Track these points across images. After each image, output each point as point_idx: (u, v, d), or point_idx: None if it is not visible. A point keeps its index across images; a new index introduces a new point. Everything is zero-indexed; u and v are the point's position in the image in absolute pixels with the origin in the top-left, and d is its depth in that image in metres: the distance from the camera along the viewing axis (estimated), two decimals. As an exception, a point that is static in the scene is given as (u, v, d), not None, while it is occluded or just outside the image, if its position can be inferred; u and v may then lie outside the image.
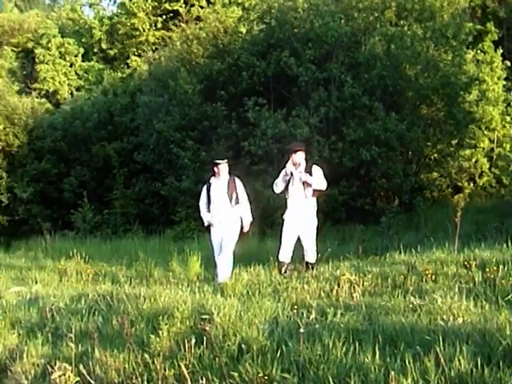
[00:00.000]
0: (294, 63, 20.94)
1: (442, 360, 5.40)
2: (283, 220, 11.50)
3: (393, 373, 5.19)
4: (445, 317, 6.82)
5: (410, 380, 5.22)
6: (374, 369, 5.52)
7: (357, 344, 6.05)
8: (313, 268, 11.23)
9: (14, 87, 36.53)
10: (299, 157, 11.19)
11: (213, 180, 11.70)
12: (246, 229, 11.71)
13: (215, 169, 11.62)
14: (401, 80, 21.30)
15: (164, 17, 38.01)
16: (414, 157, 22.47)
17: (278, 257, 11.45)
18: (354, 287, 8.95)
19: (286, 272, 11.07)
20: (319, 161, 19.97)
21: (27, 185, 28.73)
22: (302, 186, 11.18)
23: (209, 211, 11.75)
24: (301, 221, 11.24)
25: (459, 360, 5.42)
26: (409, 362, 5.43)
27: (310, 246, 11.41)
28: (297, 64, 20.96)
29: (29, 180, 29.02)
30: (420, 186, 22.22)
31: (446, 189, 23.54)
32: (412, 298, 7.84)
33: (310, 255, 11.48)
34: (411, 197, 21.03)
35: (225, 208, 11.53)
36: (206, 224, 12.01)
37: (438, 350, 5.55)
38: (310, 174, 11.02)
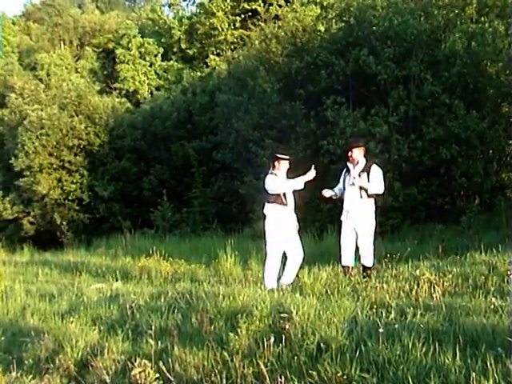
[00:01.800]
0: (372, 61, 20.77)
1: (524, 362, 5.35)
2: (340, 222, 11.29)
3: (474, 374, 5.17)
4: (527, 318, 6.73)
5: (491, 382, 5.19)
6: (455, 370, 5.50)
7: (437, 345, 6.02)
8: (368, 274, 10.78)
9: (95, 87, 37.43)
10: (356, 153, 10.95)
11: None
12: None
13: (275, 163, 11.06)
14: (481, 78, 20.91)
15: (242, 16, 38.31)
16: (495, 155, 22.01)
17: (340, 261, 11.28)
18: (433, 287, 8.89)
19: (351, 275, 10.77)
20: (398, 160, 19.99)
21: (108, 183, 29.35)
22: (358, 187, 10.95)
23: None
24: (357, 222, 10.93)
25: (542, 362, 5.36)
26: (490, 364, 5.39)
27: (365, 249, 11.07)
28: (376, 62, 20.77)
29: (109, 178, 29.64)
30: (501, 185, 21.76)
31: (528, 188, 23.02)
32: (493, 299, 7.75)
33: (366, 259, 11.12)
34: (492, 196, 20.64)
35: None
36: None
37: (520, 351, 5.50)
38: (368, 173, 10.75)
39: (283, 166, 10.87)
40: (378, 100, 21.45)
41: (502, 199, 20.61)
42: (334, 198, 11.54)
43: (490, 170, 21.10)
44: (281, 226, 10.82)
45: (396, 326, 6.76)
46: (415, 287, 8.97)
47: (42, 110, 29.73)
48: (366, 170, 10.78)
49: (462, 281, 9.32)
